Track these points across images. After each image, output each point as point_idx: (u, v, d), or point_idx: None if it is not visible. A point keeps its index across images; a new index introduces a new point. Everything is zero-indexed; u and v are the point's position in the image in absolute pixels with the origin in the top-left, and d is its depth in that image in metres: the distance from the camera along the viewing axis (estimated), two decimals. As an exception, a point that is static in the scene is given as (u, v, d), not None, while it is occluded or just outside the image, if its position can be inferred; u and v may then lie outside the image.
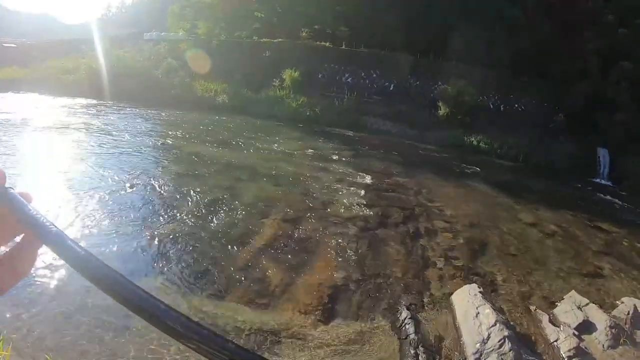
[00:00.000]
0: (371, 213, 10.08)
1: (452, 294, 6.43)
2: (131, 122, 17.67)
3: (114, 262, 6.04)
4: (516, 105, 30.43)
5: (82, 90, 24.21)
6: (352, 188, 12.09)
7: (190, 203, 8.99)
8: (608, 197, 19.69)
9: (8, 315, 4.70)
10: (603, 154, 26.04)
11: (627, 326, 5.89)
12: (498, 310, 5.91)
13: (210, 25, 34.55)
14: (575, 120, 27.68)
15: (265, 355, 4.73)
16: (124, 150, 13.07)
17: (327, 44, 33.30)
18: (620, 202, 18.73)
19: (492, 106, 30.33)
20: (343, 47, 33.04)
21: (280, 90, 28.71)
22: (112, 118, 18.08)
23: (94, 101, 22.09)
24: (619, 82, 27.22)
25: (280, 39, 33.58)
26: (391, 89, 30.47)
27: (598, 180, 24.95)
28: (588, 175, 24.90)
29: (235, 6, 34.90)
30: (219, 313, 5.30)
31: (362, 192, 11.84)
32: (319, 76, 30.74)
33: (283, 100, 27.71)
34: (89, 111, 19.02)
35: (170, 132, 16.90)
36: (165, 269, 6.22)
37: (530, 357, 4.93)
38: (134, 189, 9.60)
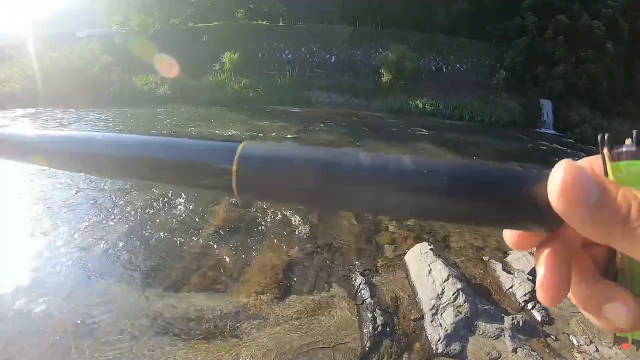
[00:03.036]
0: (321, 186, 10.06)
1: (405, 255, 6.48)
2: (71, 127, 17.10)
3: (66, 270, 5.89)
4: (458, 66, 30.91)
5: (19, 101, 23.01)
6: (301, 163, 12.05)
7: (137, 201, 8.76)
8: (555, 145, 20.32)
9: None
10: (546, 105, 26.83)
11: (579, 264, 6.05)
12: (452, 265, 5.98)
13: (144, 16, 33.56)
14: (516, 76, 28.43)
15: (228, 338, 4.71)
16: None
17: (265, 22, 32.91)
18: (566, 149, 19.36)
19: (434, 69, 30.72)
20: (281, 24, 32.73)
21: (222, 74, 28.33)
22: (51, 126, 17.44)
23: (33, 110, 21.08)
24: (555, 37, 27.94)
25: (216, 23, 33.00)
26: (333, 61, 30.52)
27: (543, 130, 25.73)
28: (533, 126, 25.67)
29: (166, -7, 34.08)
30: (177, 304, 5.21)
31: (311, 166, 11.81)
32: (260, 56, 30.54)
33: (225, 85, 27.37)
34: (26, 123, 18.29)
35: (112, 131, 16.46)
36: (121, 269, 6.05)
37: (486, 307, 5.00)
38: (79, 193, 9.31)
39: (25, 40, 30.47)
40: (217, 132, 16.26)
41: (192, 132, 16.21)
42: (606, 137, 0.33)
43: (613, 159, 0.33)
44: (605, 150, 0.34)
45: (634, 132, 0.31)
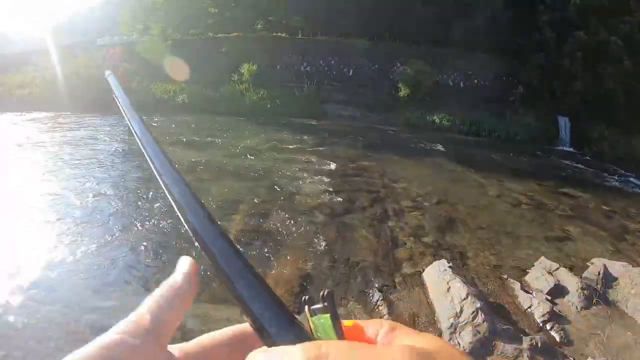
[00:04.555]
0: (338, 199, 10.04)
1: (423, 271, 6.43)
2: (90, 132, 17.20)
3: (84, 274, 5.93)
4: (476, 82, 30.77)
5: (39, 104, 23.37)
6: (317, 176, 12.05)
7: (155, 208, 8.79)
8: (571, 163, 20.14)
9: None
10: (564, 122, 26.62)
11: (598, 286, 5.98)
12: (470, 282, 5.93)
13: (163, 25, 33.84)
14: (533, 92, 28.23)
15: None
16: (84, 161, 12.68)
17: (283, 34, 33.08)
18: (583, 167, 19.18)
19: (452, 84, 30.63)
20: (299, 36, 32.88)
21: (240, 85, 28.45)
22: (70, 130, 17.53)
23: (52, 114, 21.40)
24: (573, 53, 27.75)
25: (235, 34, 33.17)
26: (350, 74, 30.54)
27: (561, 147, 25.52)
28: (550, 143, 25.49)
29: (187, 3, 34.33)
30: (193, 314, 5.19)
31: (328, 179, 11.82)
32: (278, 67, 30.62)
33: (243, 95, 27.51)
34: (46, 125, 18.43)
35: (130, 138, 16.54)
36: (137, 276, 6.07)
37: (504, 326, 4.94)
38: (98, 198, 9.36)
39: (46, 46, 30.89)
40: (236, 142, 16.30)
41: (215, 141, 16.28)
42: (306, 298, 0.39)
43: (310, 315, 0.38)
44: (306, 308, 0.39)
45: (321, 292, 0.38)
